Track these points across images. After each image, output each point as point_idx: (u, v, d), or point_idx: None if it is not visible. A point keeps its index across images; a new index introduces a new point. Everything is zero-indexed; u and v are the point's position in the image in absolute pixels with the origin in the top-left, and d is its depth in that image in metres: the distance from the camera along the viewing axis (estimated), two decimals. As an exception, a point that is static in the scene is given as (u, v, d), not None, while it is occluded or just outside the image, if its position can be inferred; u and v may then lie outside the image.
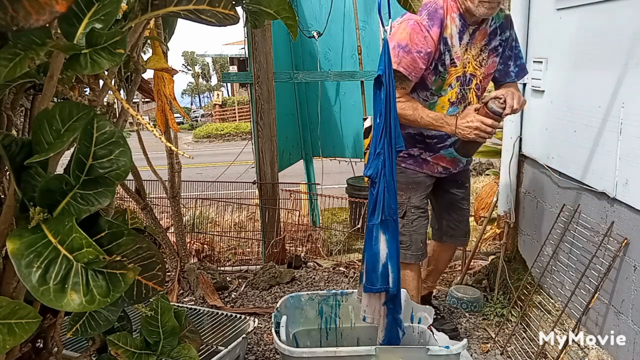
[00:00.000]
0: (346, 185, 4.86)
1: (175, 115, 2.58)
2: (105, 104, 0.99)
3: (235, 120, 23.58)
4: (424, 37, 1.98)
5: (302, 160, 4.99)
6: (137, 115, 0.87)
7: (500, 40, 2.14)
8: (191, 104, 38.49)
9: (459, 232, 2.41)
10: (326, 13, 4.10)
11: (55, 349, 1.00)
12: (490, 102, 1.94)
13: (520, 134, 2.72)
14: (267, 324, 2.55)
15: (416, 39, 1.98)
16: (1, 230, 0.79)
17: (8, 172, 0.81)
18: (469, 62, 2.10)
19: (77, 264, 0.69)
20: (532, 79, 2.57)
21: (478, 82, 2.14)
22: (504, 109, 1.93)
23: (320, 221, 4.72)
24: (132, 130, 3.29)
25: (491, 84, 2.35)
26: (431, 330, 1.96)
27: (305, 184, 5.17)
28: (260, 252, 3.77)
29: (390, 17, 2.11)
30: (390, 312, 1.86)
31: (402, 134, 2.30)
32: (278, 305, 2.00)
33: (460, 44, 2.06)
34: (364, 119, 3.48)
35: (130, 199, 2.72)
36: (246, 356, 2.26)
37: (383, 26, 2.09)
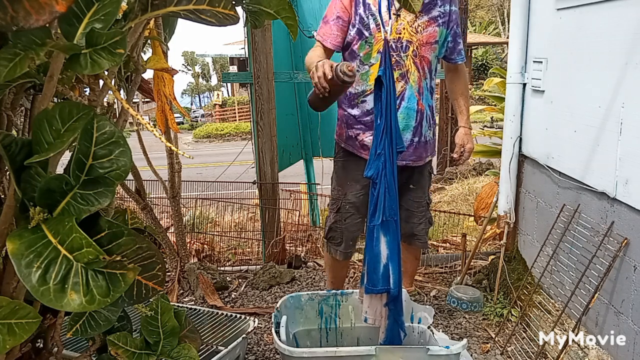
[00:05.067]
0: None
1: (175, 115, 2.58)
2: (105, 104, 0.99)
3: (235, 120, 23.60)
4: (335, 4, 2.15)
5: (302, 160, 4.99)
6: (137, 115, 0.87)
7: (440, 12, 2.16)
8: (191, 104, 38.46)
9: (407, 232, 2.39)
10: (326, 13, 4.10)
11: (55, 349, 1.00)
12: (340, 64, 1.80)
13: (520, 134, 2.71)
14: (267, 324, 2.55)
15: (331, 8, 2.17)
16: (1, 230, 0.79)
17: (8, 172, 0.81)
18: (404, 29, 2.11)
19: (77, 264, 0.69)
20: (532, 79, 2.57)
21: (415, 49, 2.14)
22: (346, 75, 1.76)
23: (320, 221, 4.72)
24: (132, 130, 3.29)
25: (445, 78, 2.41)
26: (431, 330, 1.96)
27: (305, 184, 5.18)
28: (260, 252, 3.78)
29: (389, 18, 2.12)
30: (392, 313, 1.86)
31: (339, 114, 2.34)
32: (278, 305, 2.00)
33: (389, 9, 2.08)
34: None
35: (130, 199, 2.72)
36: (246, 356, 2.26)
37: (383, 27, 2.10)
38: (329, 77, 1.81)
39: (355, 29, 2.11)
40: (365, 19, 2.10)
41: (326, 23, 2.17)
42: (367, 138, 2.20)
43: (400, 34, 2.11)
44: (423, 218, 2.42)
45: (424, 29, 2.14)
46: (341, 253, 2.35)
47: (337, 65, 1.80)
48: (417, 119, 2.20)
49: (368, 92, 2.16)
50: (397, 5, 2.09)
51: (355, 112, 2.22)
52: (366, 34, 2.10)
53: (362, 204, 2.30)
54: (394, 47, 2.11)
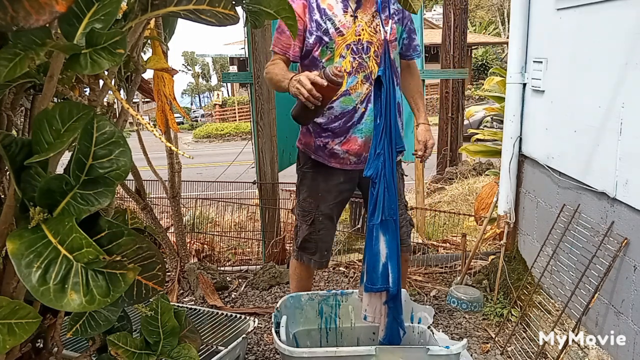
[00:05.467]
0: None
1: (175, 115, 2.58)
2: (105, 104, 0.99)
3: (235, 120, 23.59)
4: None
5: (302, 160, 4.98)
6: (137, 115, 0.87)
7: (394, 9, 2.14)
8: (191, 104, 38.44)
9: None
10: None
11: (55, 349, 1.00)
12: (327, 69, 1.82)
13: (520, 134, 2.72)
14: (267, 324, 2.55)
15: None
16: (1, 230, 0.79)
17: (8, 172, 0.81)
18: (362, 30, 2.08)
19: (77, 264, 0.69)
20: (532, 79, 2.57)
21: (376, 49, 2.10)
22: (337, 76, 1.79)
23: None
24: (132, 130, 3.29)
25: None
26: (431, 330, 1.96)
27: (305, 184, 5.16)
28: (260, 252, 3.77)
29: (390, 18, 2.12)
30: (391, 311, 1.87)
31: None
32: (278, 305, 2.00)
33: (345, 13, 2.06)
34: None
35: (130, 199, 2.72)
36: (246, 356, 2.26)
37: (383, 27, 2.09)
38: (325, 84, 1.79)
39: (314, 36, 2.05)
40: (323, 24, 2.04)
41: (282, 33, 2.08)
42: (337, 146, 2.13)
43: (359, 35, 2.06)
44: (404, 221, 2.36)
45: (383, 28, 2.12)
46: (316, 262, 2.30)
47: (325, 72, 1.81)
48: None
49: (335, 98, 2.10)
50: (352, 7, 2.06)
51: (321, 120, 2.13)
52: (326, 39, 2.05)
53: (335, 214, 2.28)
54: (354, 49, 2.06)
